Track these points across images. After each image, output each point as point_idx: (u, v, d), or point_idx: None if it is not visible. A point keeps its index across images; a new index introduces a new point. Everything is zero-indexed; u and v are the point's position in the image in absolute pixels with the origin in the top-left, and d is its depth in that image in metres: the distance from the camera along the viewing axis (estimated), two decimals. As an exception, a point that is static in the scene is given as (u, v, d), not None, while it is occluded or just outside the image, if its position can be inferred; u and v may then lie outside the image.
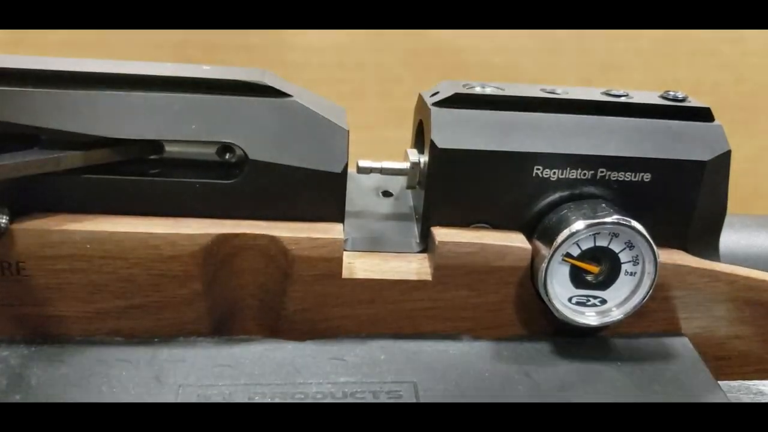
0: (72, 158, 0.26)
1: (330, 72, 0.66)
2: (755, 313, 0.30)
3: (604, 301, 0.28)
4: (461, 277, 0.28)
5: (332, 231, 0.27)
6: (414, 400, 0.25)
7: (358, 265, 0.28)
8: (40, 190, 0.27)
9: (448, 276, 0.28)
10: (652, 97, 0.30)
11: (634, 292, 0.28)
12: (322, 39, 0.65)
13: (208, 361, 0.26)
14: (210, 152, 0.29)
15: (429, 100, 0.29)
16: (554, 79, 0.35)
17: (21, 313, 0.27)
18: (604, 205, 0.28)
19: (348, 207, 0.29)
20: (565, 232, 0.27)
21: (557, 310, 0.28)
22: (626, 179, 0.28)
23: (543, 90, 0.30)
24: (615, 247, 0.27)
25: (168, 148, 0.29)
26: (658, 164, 0.28)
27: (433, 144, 0.27)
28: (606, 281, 0.28)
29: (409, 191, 0.33)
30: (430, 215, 0.29)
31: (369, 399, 0.25)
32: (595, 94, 0.30)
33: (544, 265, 0.27)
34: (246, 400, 0.24)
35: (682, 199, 0.29)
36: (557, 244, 0.27)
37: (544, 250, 0.27)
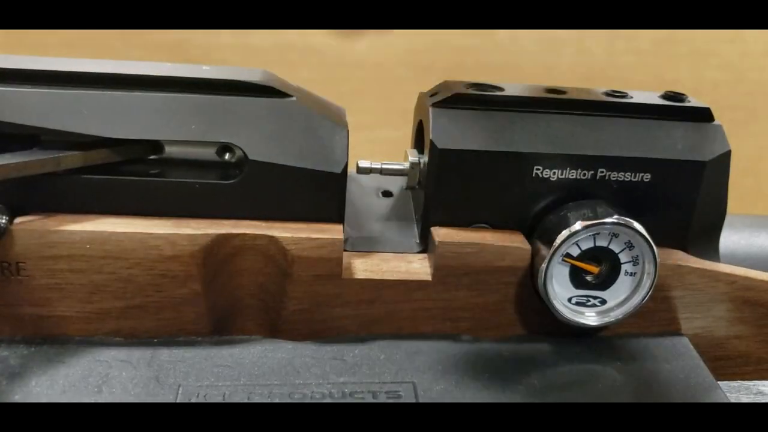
0: (72, 158, 0.26)
1: (330, 72, 0.66)
2: (755, 313, 0.30)
3: (604, 302, 0.28)
4: (461, 277, 0.28)
5: (332, 231, 0.27)
6: (413, 400, 0.25)
7: (358, 265, 0.28)
8: (40, 190, 0.27)
9: (448, 276, 0.28)
10: (652, 97, 0.30)
11: (634, 292, 0.28)
12: (323, 39, 0.65)
13: (208, 361, 0.26)
14: (210, 152, 0.29)
15: (429, 101, 0.29)
16: (554, 79, 0.35)
17: (21, 313, 0.27)
18: (604, 205, 0.27)
19: (348, 207, 0.29)
20: (565, 233, 0.27)
21: (557, 311, 0.28)
22: (626, 179, 0.28)
23: (543, 90, 0.30)
24: (615, 247, 0.27)
25: (168, 148, 0.29)
26: (658, 164, 0.28)
27: (432, 144, 0.27)
28: (606, 281, 0.28)
29: (409, 191, 0.33)
30: (430, 215, 0.29)
31: (368, 399, 0.25)
32: (595, 94, 0.30)
33: (544, 265, 0.27)
34: (245, 400, 0.24)
35: (682, 199, 0.29)
36: (557, 244, 0.27)
37: (544, 251, 0.27)
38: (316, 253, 0.27)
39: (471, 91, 0.29)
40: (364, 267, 0.28)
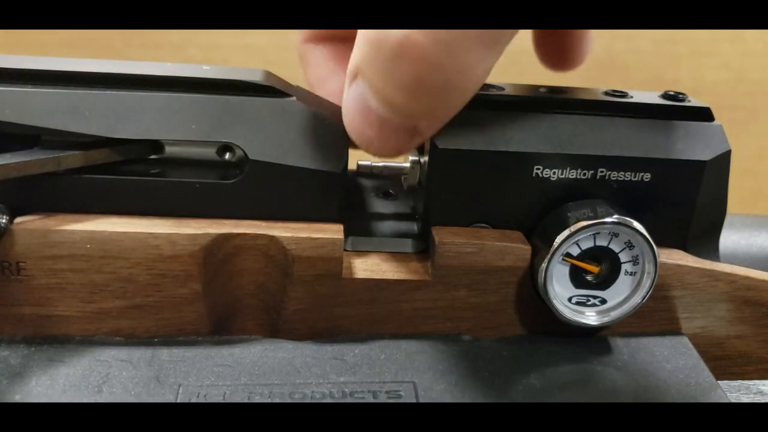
0: (72, 158, 0.26)
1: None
2: (755, 313, 0.30)
3: (604, 301, 0.28)
4: (461, 277, 0.28)
5: (332, 231, 0.27)
6: (414, 400, 0.25)
7: (358, 265, 0.28)
8: (41, 190, 0.27)
9: (448, 276, 0.28)
10: (652, 97, 0.30)
11: (634, 292, 0.28)
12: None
13: (208, 361, 0.26)
14: (210, 152, 0.29)
15: (429, 100, 0.29)
16: (554, 79, 0.35)
17: (21, 312, 0.27)
18: (604, 205, 0.28)
19: (348, 207, 0.29)
20: (565, 232, 0.27)
21: (557, 310, 0.28)
22: (626, 179, 0.28)
23: (543, 90, 0.30)
24: (615, 247, 0.27)
25: (168, 148, 0.29)
26: (658, 164, 0.28)
27: (433, 144, 0.28)
28: (606, 281, 0.28)
29: (410, 191, 0.33)
30: (430, 215, 0.29)
31: (369, 399, 0.25)
32: (595, 94, 0.30)
33: (544, 265, 0.27)
34: (246, 400, 0.24)
35: (682, 199, 0.29)
36: (557, 244, 0.27)
37: (544, 250, 0.27)
38: (317, 252, 0.27)
39: None
40: (364, 267, 0.28)
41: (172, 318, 0.27)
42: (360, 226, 0.30)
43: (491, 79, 0.30)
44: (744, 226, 0.37)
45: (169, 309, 0.27)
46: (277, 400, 0.24)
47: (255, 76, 0.27)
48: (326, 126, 0.28)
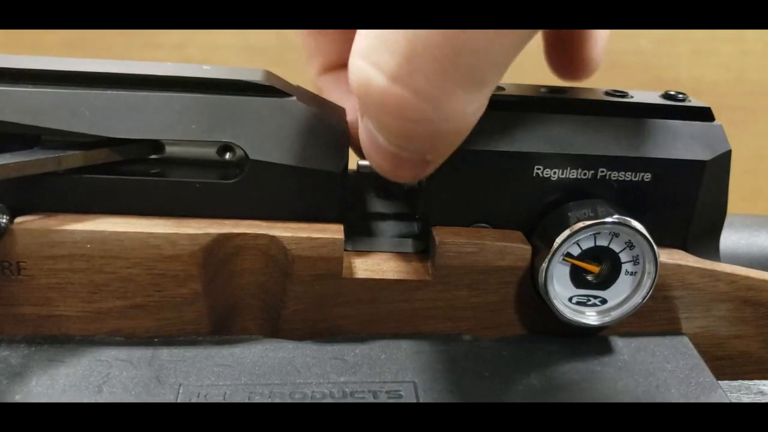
0: (73, 158, 0.26)
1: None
2: (755, 313, 0.30)
3: (604, 301, 0.28)
4: (461, 277, 0.28)
5: (332, 231, 0.27)
6: (414, 400, 0.25)
7: (358, 265, 0.28)
8: (41, 190, 0.27)
9: (448, 276, 0.28)
10: (652, 97, 0.30)
11: (634, 291, 0.28)
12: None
13: (208, 361, 0.26)
14: (210, 152, 0.29)
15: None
16: (554, 79, 0.35)
17: (21, 312, 0.27)
18: (604, 204, 0.28)
19: (348, 207, 0.29)
20: (566, 232, 0.27)
21: (557, 310, 0.28)
22: (626, 179, 0.28)
23: (543, 90, 0.30)
24: (615, 246, 0.27)
25: (168, 148, 0.29)
26: (658, 164, 0.28)
27: (433, 144, 0.27)
28: (606, 281, 0.28)
29: (409, 191, 0.33)
30: (430, 215, 0.29)
31: (369, 399, 0.25)
32: (595, 94, 0.30)
33: (544, 265, 0.27)
34: (246, 400, 0.24)
35: (682, 199, 0.29)
36: (557, 244, 0.27)
37: (545, 250, 0.27)
38: (317, 252, 0.27)
39: None
40: (364, 267, 0.28)
41: (172, 318, 0.27)
42: (360, 226, 0.30)
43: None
44: (744, 226, 0.36)
45: (169, 309, 0.27)
46: (277, 400, 0.24)
47: (255, 76, 0.27)
48: (326, 126, 0.28)
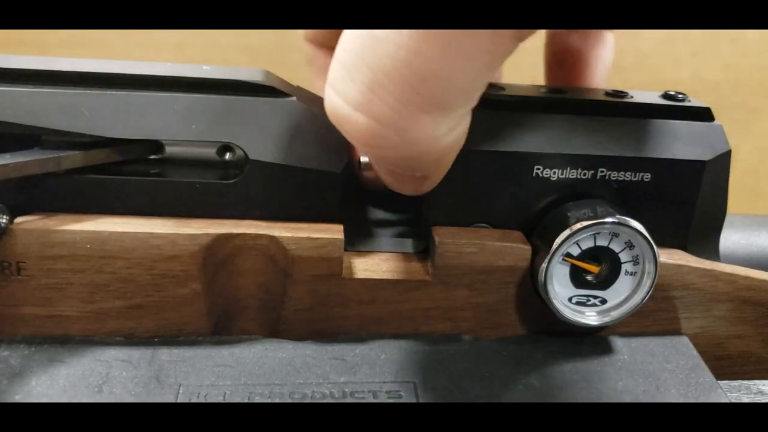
0: (72, 158, 0.26)
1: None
2: (755, 313, 0.30)
3: (604, 301, 0.28)
4: (461, 277, 0.28)
5: (332, 231, 0.27)
6: (414, 400, 0.25)
7: (358, 265, 0.28)
8: (41, 190, 0.27)
9: (448, 276, 0.28)
10: (652, 97, 0.30)
11: (634, 292, 0.28)
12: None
13: (208, 361, 0.26)
14: (210, 152, 0.29)
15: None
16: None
17: (21, 312, 0.27)
18: (604, 205, 0.28)
19: (348, 207, 0.29)
20: (565, 232, 0.27)
21: (557, 310, 0.28)
22: (626, 179, 0.28)
23: (543, 90, 0.30)
24: (615, 247, 0.27)
25: (168, 148, 0.29)
26: (658, 164, 0.28)
27: (433, 144, 0.27)
28: (606, 281, 0.28)
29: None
30: (430, 215, 0.29)
31: (369, 399, 0.25)
32: (595, 94, 0.30)
33: (544, 265, 0.27)
34: (246, 400, 0.24)
35: (682, 199, 0.29)
36: (557, 244, 0.27)
37: (544, 250, 0.27)
38: (317, 252, 0.27)
39: None
40: (364, 267, 0.28)
41: (172, 318, 0.27)
42: (360, 226, 0.30)
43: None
44: (744, 226, 0.36)
45: (169, 309, 0.27)
46: (277, 400, 0.24)
47: (255, 76, 0.27)
48: (326, 126, 0.28)
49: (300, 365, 0.26)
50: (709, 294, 0.29)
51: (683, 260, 0.29)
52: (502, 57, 0.21)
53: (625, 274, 0.28)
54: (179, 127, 0.27)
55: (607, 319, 0.28)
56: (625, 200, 0.28)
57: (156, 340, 0.27)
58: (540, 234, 0.28)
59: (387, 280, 0.28)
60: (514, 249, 0.28)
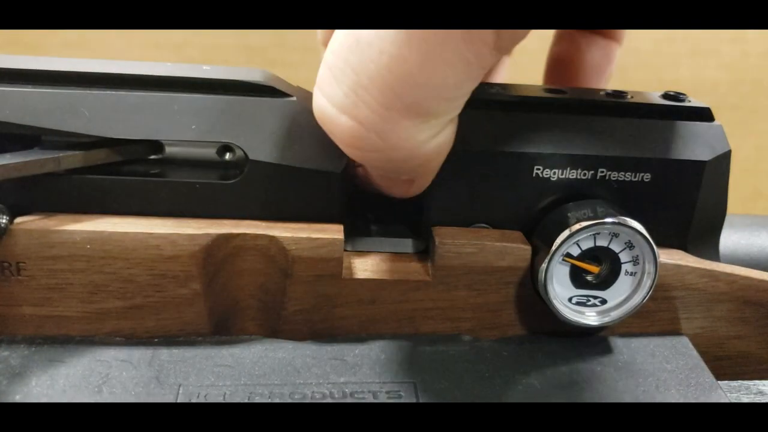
0: (72, 158, 0.26)
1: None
2: (755, 313, 0.30)
3: (604, 301, 0.28)
4: (461, 277, 0.28)
5: (332, 231, 0.27)
6: (414, 400, 0.25)
7: (358, 265, 0.28)
8: (41, 190, 0.27)
9: (448, 276, 0.28)
10: (652, 97, 0.30)
11: (634, 292, 0.28)
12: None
13: (208, 361, 0.26)
14: (210, 152, 0.29)
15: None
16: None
17: (21, 313, 0.27)
18: (604, 205, 0.28)
19: (348, 207, 0.29)
20: (565, 232, 0.27)
21: (557, 310, 0.28)
22: (626, 179, 0.28)
23: (544, 90, 0.30)
24: (615, 247, 0.27)
25: (168, 148, 0.29)
26: (658, 164, 0.28)
27: (433, 144, 0.27)
28: (606, 281, 0.28)
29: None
30: (430, 215, 0.29)
31: (369, 399, 0.25)
32: (595, 94, 0.30)
33: (544, 265, 0.27)
34: (246, 400, 0.24)
35: (682, 199, 0.29)
36: (557, 244, 0.27)
37: (544, 250, 0.27)
38: (317, 253, 0.27)
39: None
40: (364, 267, 0.28)
41: (172, 318, 0.27)
42: (360, 226, 0.30)
43: (492, 79, 0.30)
44: (744, 226, 0.36)
45: (169, 309, 0.27)
46: (277, 401, 0.24)
47: (255, 76, 0.27)
48: None
49: (300, 365, 0.26)
50: (709, 294, 0.29)
51: (683, 260, 0.29)
52: (481, 67, 0.22)
53: (625, 275, 0.28)
54: (179, 127, 0.27)
55: (607, 319, 0.28)
56: (625, 200, 0.28)
57: (156, 340, 0.27)
58: (540, 234, 0.28)
59: (387, 280, 0.28)
60: (514, 249, 0.28)
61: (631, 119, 0.29)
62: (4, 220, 0.25)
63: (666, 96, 0.30)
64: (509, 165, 0.28)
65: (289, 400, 0.24)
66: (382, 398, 0.25)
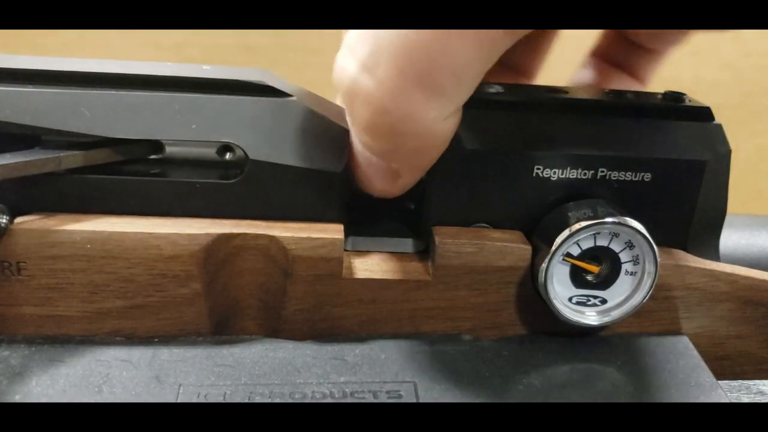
0: (73, 158, 0.26)
1: (331, 72, 0.66)
2: (756, 312, 0.30)
3: (604, 301, 0.28)
4: (461, 277, 0.28)
5: (332, 231, 0.27)
6: (414, 400, 0.25)
7: (358, 265, 0.28)
8: (41, 190, 0.27)
9: (448, 276, 0.28)
10: (652, 97, 0.30)
11: (634, 291, 0.28)
12: (323, 39, 0.65)
13: (208, 361, 0.26)
14: (210, 152, 0.29)
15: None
16: (555, 79, 0.35)
17: (22, 312, 0.27)
18: (604, 204, 0.28)
19: (348, 207, 0.29)
20: (566, 232, 0.27)
21: (557, 310, 0.28)
22: (626, 179, 0.28)
23: (544, 90, 0.30)
24: (615, 246, 0.27)
25: (168, 148, 0.29)
26: (658, 164, 0.28)
27: (433, 144, 0.27)
28: (606, 281, 0.28)
29: (410, 191, 0.33)
30: (430, 215, 0.29)
31: (369, 399, 0.25)
32: (595, 94, 0.30)
33: (544, 265, 0.27)
34: (246, 400, 0.24)
35: (682, 199, 0.29)
36: (557, 244, 0.27)
37: (545, 250, 0.27)
38: (317, 252, 0.27)
39: None
40: (364, 267, 0.28)
41: (172, 318, 0.27)
42: (360, 226, 0.30)
43: (492, 79, 0.30)
44: (744, 226, 0.37)
45: (169, 309, 0.27)
46: (277, 400, 0.24)
47: (255, 76, 0.27)
48: (326, 126, 0.28)
49: (300, 365, 0.26)
50: (709, 294, 0.29)
51: (683, 260, 0.29)
52: (492, 49, 0.23)
53: (626, 274, 0.28)
54: (179, 127, 0.27)
55: (607, 319, 0.28)
56: (626, 200, 0.28)
57: (156, 340, 0.27)
58: (540, 234, 0.28)
59: (387, 280, 0.28)
60: (514, 249, 0.28)
61: (631, 119, 0.29)
62: (4, 220, 0.25)
63: (666, 96, 0.30)
64: (509, 165, 0.28)
65: (290, 400, 0.24)
66: (383, 398, 0.25)
